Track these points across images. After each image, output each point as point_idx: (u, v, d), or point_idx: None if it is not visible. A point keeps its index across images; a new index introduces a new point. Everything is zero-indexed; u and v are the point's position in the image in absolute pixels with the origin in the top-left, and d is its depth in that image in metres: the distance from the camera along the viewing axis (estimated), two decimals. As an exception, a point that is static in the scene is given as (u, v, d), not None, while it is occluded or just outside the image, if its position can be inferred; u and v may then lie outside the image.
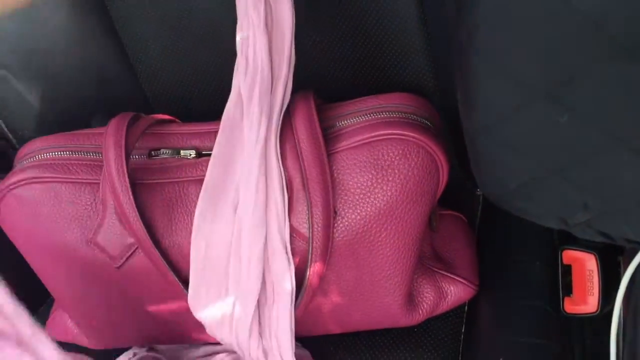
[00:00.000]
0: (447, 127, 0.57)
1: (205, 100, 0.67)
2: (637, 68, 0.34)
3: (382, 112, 0.52)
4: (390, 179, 0.51)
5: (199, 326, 0.55)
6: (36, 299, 0.72)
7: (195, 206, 0.52)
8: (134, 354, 0.62)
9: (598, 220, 0.42)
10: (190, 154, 0.55)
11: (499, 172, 0.45)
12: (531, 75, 0.37)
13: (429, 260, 0.61)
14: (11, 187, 0.53)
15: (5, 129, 0.65)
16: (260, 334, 0.54)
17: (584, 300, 0.54)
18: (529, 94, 0.38)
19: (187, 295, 0.53)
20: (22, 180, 0.53)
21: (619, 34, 0.33)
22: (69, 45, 0.63)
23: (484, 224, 0.70)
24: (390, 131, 0.51)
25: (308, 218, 0.51)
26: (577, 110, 0.36)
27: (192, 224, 0.52)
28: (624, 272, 0.48)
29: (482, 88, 0.41)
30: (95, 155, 0.55)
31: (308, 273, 0.52)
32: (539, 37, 0.36)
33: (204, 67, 0.65)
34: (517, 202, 0.46)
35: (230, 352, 0.59)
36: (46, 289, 0.59)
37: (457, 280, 0.61)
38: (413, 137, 0.51)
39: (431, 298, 0.60)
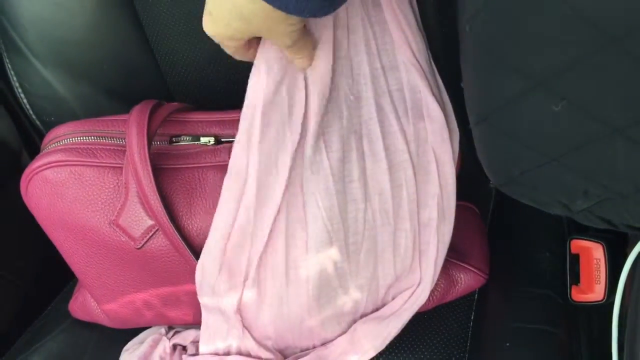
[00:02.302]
0: (460, 118, 0.58)
1: (225, 91, 0.68)
2: (631, 58, 0.34)
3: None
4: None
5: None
6: (61, 279, 0.75)
7: (213, 190, 0.54)
8: (153, 340, 0.63)
9: (599, 206, 0.42)
10: (210, 141, 0.57)
11: (502, 159, 0.46)
12: (527, 65, 0.38)
13: (441, 248, 0.62)
14: (38, 169, 0.55)
15: (33, 115, 0.67)
16: None
17: (591, 288, 0.55)
18: (525, 83, 0.38)
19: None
20: (49, 163, 0.55)
21: (613, 25, 0.33)
22: (97, 37, 0.65)
23: (496, 216, 0.71)
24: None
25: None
26: (571, 99, 0.37)
27: (210, 207, 0.54)
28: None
29: (481, 77, 0.42)
30: (119, 141, 0.57)
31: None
32: (535, 26, 0.36)
33: (224, 59, 0.66)
34: (523, 190, 0.47)
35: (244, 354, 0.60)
36: (70, 269, 0.61)
37: (468, 268, 0.62)
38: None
39: (442, 285, 0.61)
